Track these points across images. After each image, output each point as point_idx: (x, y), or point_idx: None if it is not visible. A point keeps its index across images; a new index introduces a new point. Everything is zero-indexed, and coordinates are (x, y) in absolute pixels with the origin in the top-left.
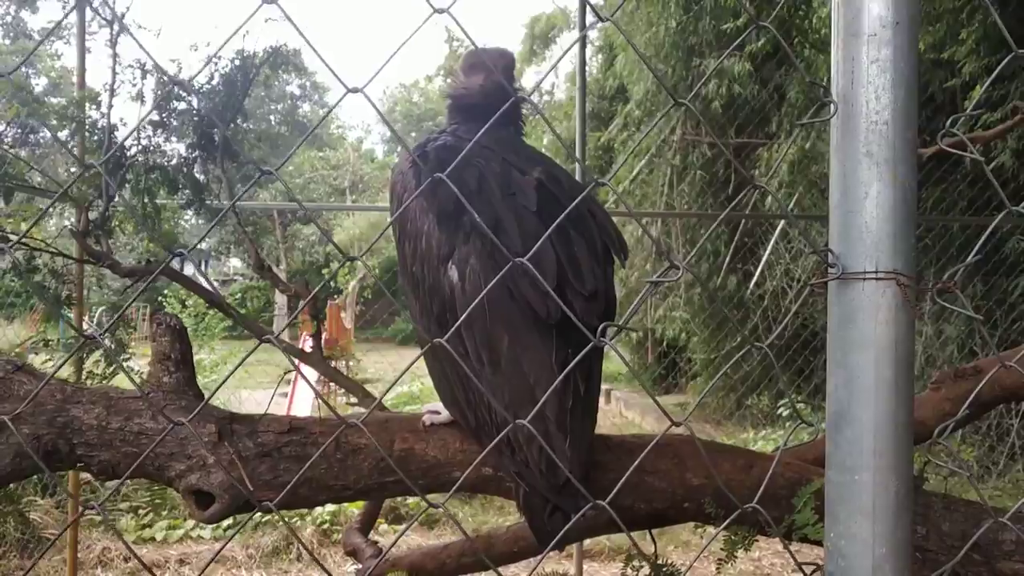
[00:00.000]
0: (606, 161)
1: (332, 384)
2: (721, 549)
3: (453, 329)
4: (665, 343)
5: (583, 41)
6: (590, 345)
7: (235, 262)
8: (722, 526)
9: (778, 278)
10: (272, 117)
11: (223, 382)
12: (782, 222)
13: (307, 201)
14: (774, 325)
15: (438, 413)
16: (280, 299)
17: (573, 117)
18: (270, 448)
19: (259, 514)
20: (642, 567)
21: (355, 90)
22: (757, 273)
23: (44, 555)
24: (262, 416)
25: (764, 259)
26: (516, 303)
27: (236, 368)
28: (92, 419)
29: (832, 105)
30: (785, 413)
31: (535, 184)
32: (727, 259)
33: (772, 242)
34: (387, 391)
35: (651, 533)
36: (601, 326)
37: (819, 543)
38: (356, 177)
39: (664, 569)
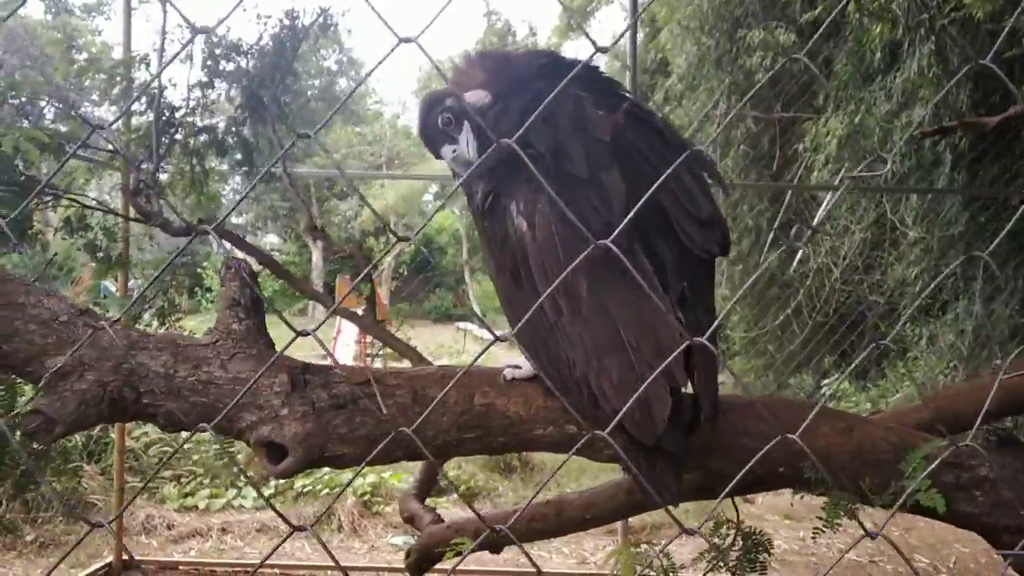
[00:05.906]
0: None
1: (368, 348)
2: (817, 518)
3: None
4: None
5: (634, 18)
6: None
7: (272, 237)
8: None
9: (823, 255)
10: (309, 92)
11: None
12: (828, 196)
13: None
14: (818, 303)
15: (519, 368)
16: (315, 273)
17: None
18: (345, 400)
19: (299, 484)
20: (729, 535)
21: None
22: (800, 252)
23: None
24: (336, 366)
25: (808, 235)
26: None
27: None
28: (159, 367)
29: None
30: (828, 392)
31: (625, 112)
32: (770, 236)
33: (821, 212)
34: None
35: (733, 501)
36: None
37: (930, 511)
38: (392, 153)
39: (753, 537)
